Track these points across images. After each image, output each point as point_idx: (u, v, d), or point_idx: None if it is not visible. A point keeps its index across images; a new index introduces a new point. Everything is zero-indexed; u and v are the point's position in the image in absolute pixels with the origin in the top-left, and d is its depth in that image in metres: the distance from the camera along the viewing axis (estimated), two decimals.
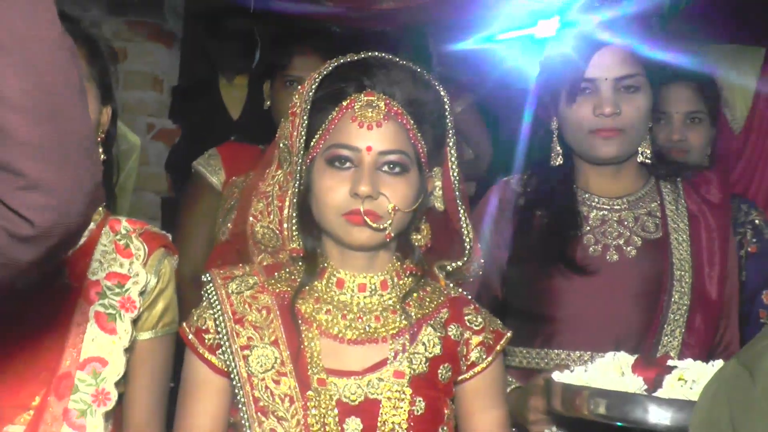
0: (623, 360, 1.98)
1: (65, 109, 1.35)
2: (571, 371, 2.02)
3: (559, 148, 2.43)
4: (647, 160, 2.41)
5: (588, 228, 2.41)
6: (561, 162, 2.43)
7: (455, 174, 2.07)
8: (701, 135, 2.96)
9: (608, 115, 2.32)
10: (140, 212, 3.45)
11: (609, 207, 2.43)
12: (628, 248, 2.38)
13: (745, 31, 3.53)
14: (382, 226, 1.91)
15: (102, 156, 2.08)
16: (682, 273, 2.35)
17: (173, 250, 2.20)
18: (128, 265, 2.08)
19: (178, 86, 4.40)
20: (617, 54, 2.34)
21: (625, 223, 2.41)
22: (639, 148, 2.40)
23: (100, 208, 2.11)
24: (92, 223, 2.08)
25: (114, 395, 1.99)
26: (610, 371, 1.96)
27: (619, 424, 1.91)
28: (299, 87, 2.07)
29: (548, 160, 2.43)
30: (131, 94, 3.88)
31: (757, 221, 2.54)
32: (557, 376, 2.02)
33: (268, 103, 3.12)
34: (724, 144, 3.54)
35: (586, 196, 2.44)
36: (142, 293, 2.07)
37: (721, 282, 2.37)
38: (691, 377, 1.86)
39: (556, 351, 2.34)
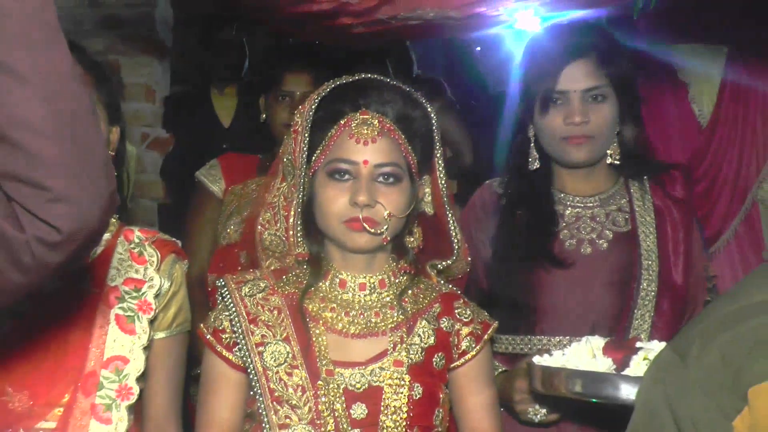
0: (595, 343, 2.09)
1: (82, 130, 1.42)
2: (551, 355, 2.12)
3: (535, 153, 2.51)
4: (616, 162, 2.50)
5: (564, 224, 2.50)
6: (538, 166, 2.52)
7: (443, 181, 2.16)
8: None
9: (578, 124, 2.41)
10: (137, 218, 3.49)
11: (582, 205, 2.52)
12: (600, 241, 2.47)
13: (708, 32, 3.60)
14: (379, 231, 2.01)
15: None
16: (650, 263, 2.44)
17: (183, 256, 2.26)
18: (143, 270, 2.15)
19: (170, 96, 4.39)
20: (585, 67, 2.43)
21: (597, 218, 2.50)
22: (608, 151, 2.49)
23: (114, 220, 2.17)
24: (108, 234, 2.13)
25: (136, 390, 2.06)
26: (584, 354, 2.06)
27: (594, 400, 1.99)
28: (300, 107, 2.15)
29: (527, 164, 2.52)
30: (126, 105, 3.67)
31: None
32: (537, 360, 2.12)
33: (264, 116, 3.21)
34: (693, 138, 3.48)
35: (562, 195, 2.53)
36: (156, 296, 2.14)
37: (685, 270, 2.46)
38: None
39: (538, 337, 2.43)
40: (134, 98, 3.80)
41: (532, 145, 2.51)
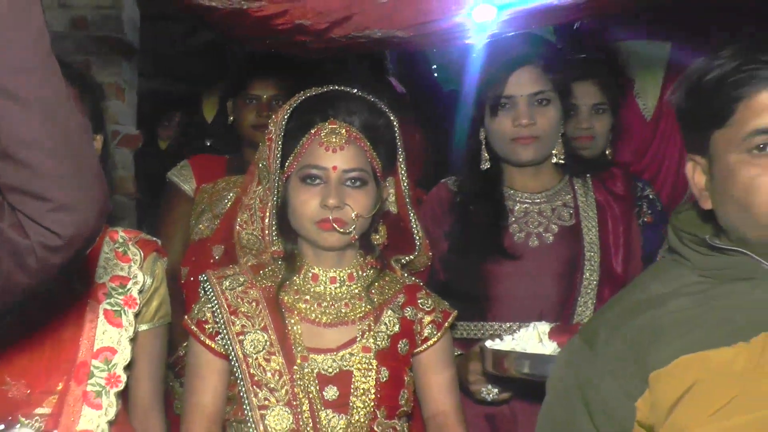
0: (541, 329, 2.20)
1: (77, 146, 1.52)
2: (502, 340, 2.23)
3: (486, 154, 2.61)
4: (561, 161, 2.60)
5: (513, 219, 2.59)
6: (489, 166, 2.61)
7: (405, 183, 2.27)
8: (605, 123, 3.12)
9: (525, 126, 2.51)
10: (111, 214, 3.47)
11: (530, 201, 2.61)
12: (547, 235, 2.57)
13: (653, 29, 3.60)
14: (348, 231, 2.12)
15: None
16: (592, 254, 2.54)
17: (163, 254, 2.34)
18: (128, 268, 2.23)
19: (147, 95, 4.31)
20: (530, 74, 2.53)
21: (544, 213, 2.59)
22: (553, 151, 2.59)
23: None
24: (98, 233, 2.21)
25: (123, 378, 2.14)
26: (531, 338, 2.17)
27: (541, 380, 2.02)
28: (273, 116, 2.24)
29: (479, 164, 2.61)
30: None
31: (650, 196, 2.69)
32: (489, 344, 2.23)
33: (231, 118, 3.27)
34: (638, 130, 3.62)
35: (511, 192, 2.62)
36: (140, 292, 2.21)
37: (625, 260, 2.56)
38: None
39: (490, 323, 2.51)
40: (105, 97, 3.78)
41: (484, 146, 2.61)
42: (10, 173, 1.50)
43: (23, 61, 1.49)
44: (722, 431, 1.53)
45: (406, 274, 2.30)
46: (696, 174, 1.67)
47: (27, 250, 1.53)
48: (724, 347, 1.55)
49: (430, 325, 2.24)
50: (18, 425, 2.05)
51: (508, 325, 2.47)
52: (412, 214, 2.31)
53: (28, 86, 1.49)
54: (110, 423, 2.14)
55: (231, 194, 3.06)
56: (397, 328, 2.20)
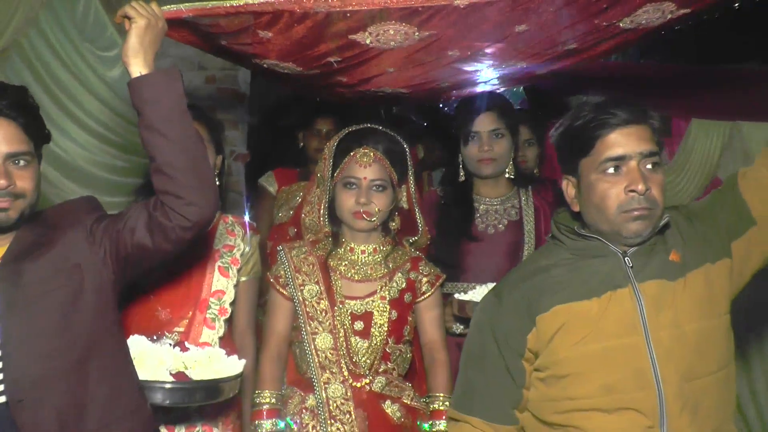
0: (490, 287, 2.08)
1: (200, 165, 1.58)
2: (466, 293, 2.23)
3: (462, 170, 2.56)
4: (511, 176, 2.56)
5: (478, 215, 2.54)
6: (464, 178, 2.57)
7: (413, 189, 2.24)
8: (533, 152, 3.04)
9: (486, 151, 2.48)
10: (228, 204, 3.53)
11: (490, 203, 2.56)
12: (500, 226, 2.52)
13: (586, 88, 3.51)
14: (372, 219, 2.11)
15: (217, 182, 2.08)
16: (529, 239, 2.50)
17: (256, 231, 2.35)
18: (233, 240, 2.25)
19: (259, 128, 4.23)
20: (490, 116, 2.47)
21: (499, 212, 2.54)
22: (507, 170, 2.55)
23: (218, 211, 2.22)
24: (214, 219, 2.10)
25: (229, 310, 2.17)
26: (482, 293, 2.15)
27: None
28: (327, 143, 2.23)
29: (457, 177, 2.57)
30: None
31: None
32: (457, 296, 2.23)
33: (302, 144, 3.25)
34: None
35: (478, 197, 2.56)
36: (241, 255, 2.23)
37: None
38: None
39: (461, 283, 2.47)
40: (226, 129, 3.80)
41: (461, 165, 2.56)
42: (162, 182, 1.57)
43: (170, 112, 1.55)
44: (580, 354, 1.55)
45: (412, 249, 2.26)
46: (569, 188, 1.66)
47: (170, 229, 1.60)
48: (584, 300, 1.57)
49: (426, 284, 2.19)
50: (164, 337, 2.09)
51: (473, 285, 2.39)
52: (417, 210, 2.27)
53: (172, 129, 1.55)
54: (220, 338, 2.16)
55: (300, 194, 3.00)
56: (404, 285, 2.16)
